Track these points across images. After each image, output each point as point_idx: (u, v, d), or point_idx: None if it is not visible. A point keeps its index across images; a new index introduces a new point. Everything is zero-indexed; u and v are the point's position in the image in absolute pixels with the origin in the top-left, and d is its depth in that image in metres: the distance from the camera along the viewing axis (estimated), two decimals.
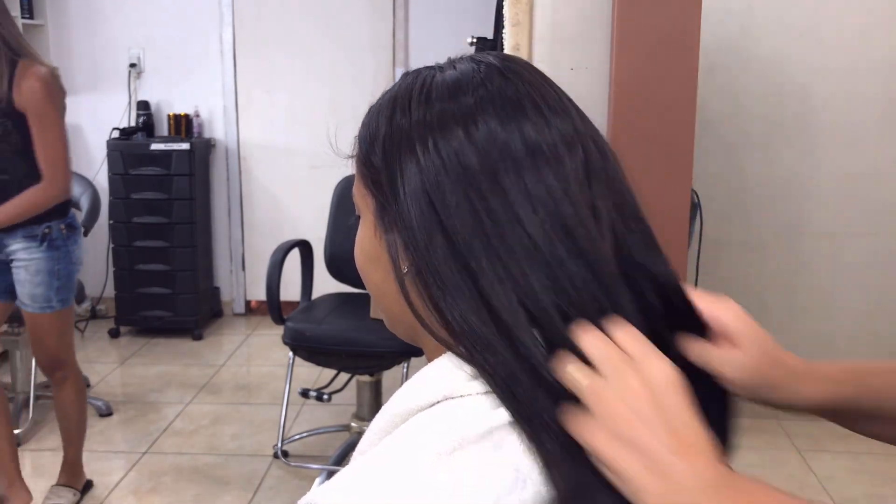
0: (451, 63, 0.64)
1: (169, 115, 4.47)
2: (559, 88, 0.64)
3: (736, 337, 0.68)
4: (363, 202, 0.64)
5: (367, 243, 0.64)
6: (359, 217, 0.66)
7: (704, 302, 0.68)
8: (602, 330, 0.57)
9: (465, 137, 0.58)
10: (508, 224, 0.57)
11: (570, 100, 0.64)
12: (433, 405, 0.58)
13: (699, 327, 0.66)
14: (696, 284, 2.56)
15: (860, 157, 3.17)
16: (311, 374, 3.64)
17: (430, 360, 0.64)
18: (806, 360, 0.71)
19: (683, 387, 0.55)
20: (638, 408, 0.54)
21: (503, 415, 0.57)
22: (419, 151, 0.59)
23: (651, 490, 0.52)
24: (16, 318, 3.24)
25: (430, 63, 0.66)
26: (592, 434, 0.54)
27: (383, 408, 0.62)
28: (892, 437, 0.71)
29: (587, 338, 0.56)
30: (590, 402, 0.55)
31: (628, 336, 0.57)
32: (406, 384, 0.62)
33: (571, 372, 0.56)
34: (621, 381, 0.55)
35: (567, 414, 0.55)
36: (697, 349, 0.65)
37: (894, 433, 0.71)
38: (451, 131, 0.59)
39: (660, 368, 0.55)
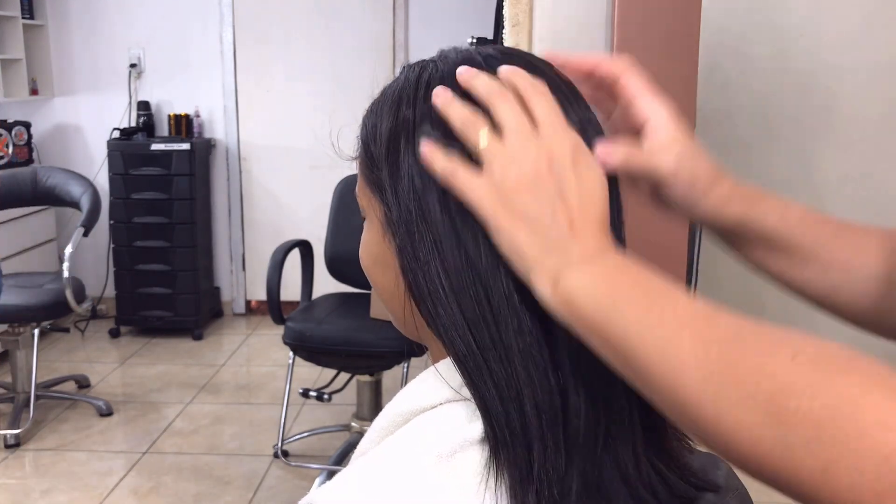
0: (455, 53, 0.61)
1: (169, 116, 4.47)
2: (566, 77, 0.62)
3: (661, 121, 0.62)
4: (369, 204, 0.62)
5: (375, 246, 0.62)
6: (365, 218, 0.64)
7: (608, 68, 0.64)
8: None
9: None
10: None
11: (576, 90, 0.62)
12: (436, 407, 0.58)
13: None
14: (695, 285, 2.55)
15: (860, 157, 3.17)
16: (311, 374, 3.64)
17: (435, 362, 0.64)
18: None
19: (588, 160, 0.53)
20: (530, 175, 0.52)
21: None
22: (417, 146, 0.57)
23: (537, 263, 0.51)
24: (16, 318, 3.24)
25: None
26: (479, 195, 0.53)
27: (386, 407, 0.61)
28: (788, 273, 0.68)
29: (499, 101, 0.54)
30: (485, 164, 0.53)
31: (542, 104, 0.55)
32: (410, 384, 0.61)
33: (475, 133, 0.54)
34: (521, 146, 0.53)
35: (454, 171, 0.53)
36: (627, 145, 0.61)
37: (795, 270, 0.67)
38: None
39: (565, 139, 0.53)
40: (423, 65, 0.61)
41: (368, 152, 0.61)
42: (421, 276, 0.57)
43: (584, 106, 0.60)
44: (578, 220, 0.52)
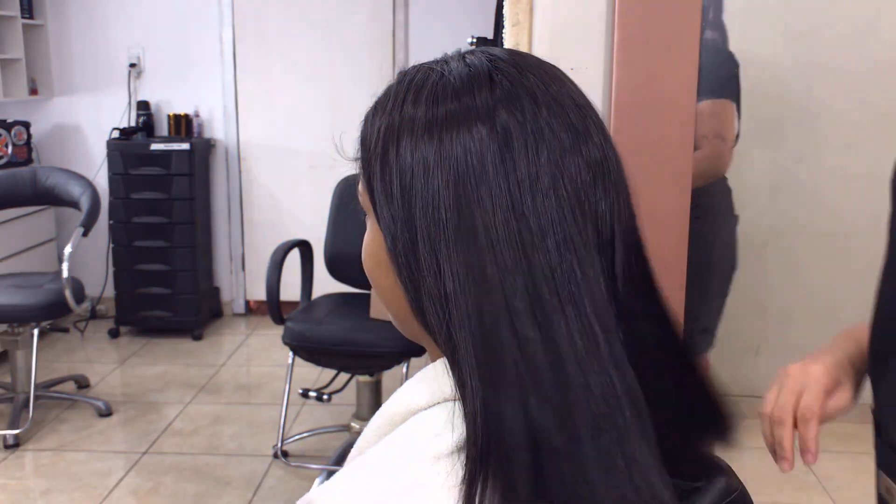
0: (459, 57, 0.61)
1: (169, 115, 4.47)
2: (574, 86, 0.62)
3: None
4: (368, 205, 0.62)
5: (375, 246, 0.62)
6: (367, 217, 0.64)
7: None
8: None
9: (470, 136, 0.55)
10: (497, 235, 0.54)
11: (587, 102, 0.61)
12: (432, 406, 0.58)
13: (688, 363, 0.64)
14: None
15: (860, 157, 3.17)
16: (311, 374, 3.64)
17: (432, 361, 0.64)
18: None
19: None
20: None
21: None
22: (414, 148, 0.56)
23: None
24: (16, 318, 3.24)
25: None
26: None
27: (383, 406, 0.61)
28: None
29: None
30: None
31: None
32: (406, 384, 0.61)
33: None
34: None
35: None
36: None
37: None
38: (457, 129, 0.56)
39: None
40: (427, 68, 0.61)
41: (366, 152, 0.61)
42: (409, 280, 0.56)
43: (593, 125, 0.60)
44: None
